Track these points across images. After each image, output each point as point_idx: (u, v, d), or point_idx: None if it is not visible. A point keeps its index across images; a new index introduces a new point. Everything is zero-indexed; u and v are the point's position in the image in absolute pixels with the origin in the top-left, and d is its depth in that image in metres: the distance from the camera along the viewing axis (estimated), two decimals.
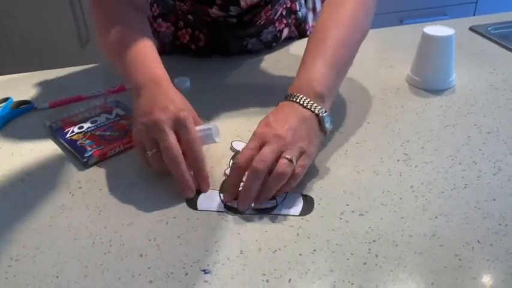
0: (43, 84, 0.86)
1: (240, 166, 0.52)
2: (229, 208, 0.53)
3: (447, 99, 0.73)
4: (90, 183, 0.58)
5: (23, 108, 0.76)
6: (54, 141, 0.67)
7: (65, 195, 0.56)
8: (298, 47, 0.93)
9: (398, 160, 0.59)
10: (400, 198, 0.53)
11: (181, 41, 0.90)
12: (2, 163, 0.63)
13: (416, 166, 0.58)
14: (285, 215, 0.51)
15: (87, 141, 0.65)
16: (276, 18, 0.88)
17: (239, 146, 0.63)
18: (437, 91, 0.75)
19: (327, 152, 0.62)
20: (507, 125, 0.66)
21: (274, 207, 0.52)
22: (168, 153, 0.52)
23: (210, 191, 0.56)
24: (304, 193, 0.54)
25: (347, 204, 0.52)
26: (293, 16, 0.93)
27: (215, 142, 0.58)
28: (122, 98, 0.76)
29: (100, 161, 0.62)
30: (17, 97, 0.79)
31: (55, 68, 0.90)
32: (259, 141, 0.52)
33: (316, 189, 0.55)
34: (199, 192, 0.55)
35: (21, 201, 0.56)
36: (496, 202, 0.52)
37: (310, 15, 0.97)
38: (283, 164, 0.50)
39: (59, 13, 2.06)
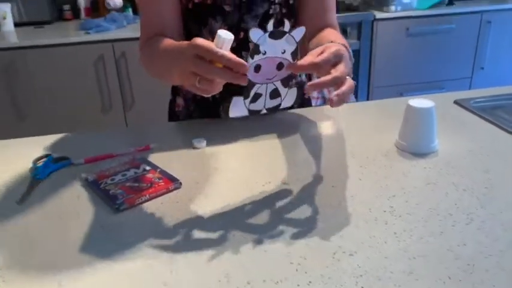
0: (78, 144, 0.98)
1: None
2: (250, 112, 0.73)
3: (430, 162, 0.84)
4: (121, 225, 0.68)
5: (61, 163, 0.88)
6: (90, 191, 0.78)
7: (100, 235, 0.66)
8: (305, 111, 1.06)
9: (384, 211, 0.69)
10: (385, 242, 0.62)
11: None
12: (44, 209, 0.74)
13: (400, 216, 0.68)
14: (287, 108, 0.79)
15: (119, 190, 0.75)
16: None
17: (256, 35, 0.69)
18: (421, 154, 0.86)
19: (323, 202, 0.72)
20: (481, 184, 0.76)
21: (279, 105, 0.75)
22: (199, 67, 0.64)
23: (237, 100, 0.73)
24: (304, 236, 0.64)
25: (339, 246, 0.62)
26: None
27: (230, 41, 0.65)
28: (147, 156, 0.88)
29: (129, 207, 0.72)
30: (56, 154, 0.92)
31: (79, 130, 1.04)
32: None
33: (314, 233, 0.64)
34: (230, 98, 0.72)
35: (62, 240, 0.66)
36: (466, 247, 0.61)
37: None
38: None
39: (86, 83, 2.27)
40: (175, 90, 1.13)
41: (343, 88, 0.67)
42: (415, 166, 0.83)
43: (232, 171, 0.83)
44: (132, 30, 2.31)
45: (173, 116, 1.15)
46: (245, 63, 0.65)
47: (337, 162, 0.84)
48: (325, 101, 2.52)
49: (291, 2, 0.99)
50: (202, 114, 1.08)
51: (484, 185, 0.76)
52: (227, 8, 0.94)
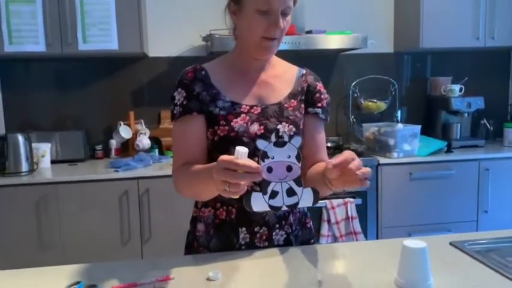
0: (104, 272, 1.08)
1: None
2: (272, 208, 0.90)
3: None
4: None
5: None
6: None
7: None
8: (316, 248, 1.16)
9: None
10: None
11: (220, 218, 1.19)
12: None
13: None
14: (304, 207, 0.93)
15: None
16: None
17: (262, 144, 0.93)
18: None
19: None
20: None
21: (297, 203, 0.91)
22: (227, 176, 0.87)
23: (256, 194, 0.91)
24: None
25: None
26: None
27: (245, 153, 0.88)
28: (167, 286, 0.97)
29: None
30: (85, 281, 1.01)
31: (100, 261, 1.14)
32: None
33: None
34: (250, 193, 0.92)
35: None
36: None
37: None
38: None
39: (109, 216, 2.41)
40: (196, 218, 1.26)
41: (367, 168, 0.92)
42: None
43: None
44: (157, 169, 2.53)
45: (193, 242, 1.26)
46: (259, 166, 0.88)
47: None
48: (335, 239, 2.60)
49: None
50: (220, 237, 1.20)
51: None
52: (245, 139, 1.15)
